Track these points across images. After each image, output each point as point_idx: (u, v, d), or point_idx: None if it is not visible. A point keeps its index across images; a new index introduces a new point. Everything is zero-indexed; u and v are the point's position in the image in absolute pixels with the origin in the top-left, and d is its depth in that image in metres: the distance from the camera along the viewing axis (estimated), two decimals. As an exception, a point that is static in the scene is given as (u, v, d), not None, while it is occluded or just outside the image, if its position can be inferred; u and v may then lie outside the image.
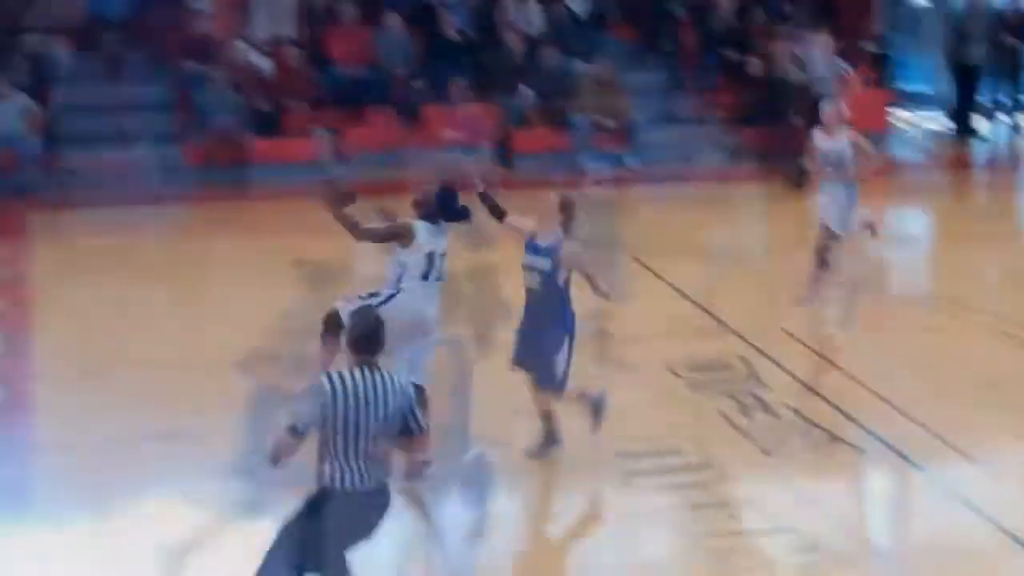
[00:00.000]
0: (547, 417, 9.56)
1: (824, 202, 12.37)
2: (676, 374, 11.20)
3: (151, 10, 18.69)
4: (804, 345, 11.91)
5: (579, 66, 18.81)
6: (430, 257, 9.49)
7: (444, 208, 9.59)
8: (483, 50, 19.20)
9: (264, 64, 18.44)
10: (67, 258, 14.86)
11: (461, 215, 9.70)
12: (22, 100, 17.23)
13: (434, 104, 18.30)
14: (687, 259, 14.20)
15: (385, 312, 8.00)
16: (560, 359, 9.29)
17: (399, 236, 9.49)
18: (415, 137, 17.74)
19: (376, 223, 9.67)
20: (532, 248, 9.41)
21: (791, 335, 12.02)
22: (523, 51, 19.10)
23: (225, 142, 17.46)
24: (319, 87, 18.48)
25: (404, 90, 18.66)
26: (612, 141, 18.32)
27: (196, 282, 14.47)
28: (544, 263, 9.31)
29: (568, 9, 19.95)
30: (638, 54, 20.07)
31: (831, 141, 12.25)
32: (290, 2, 19.30)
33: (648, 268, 14.03)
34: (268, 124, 17.87)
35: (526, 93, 18.66)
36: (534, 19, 19.72)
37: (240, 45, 18.27)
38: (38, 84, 17.71)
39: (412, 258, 9.47)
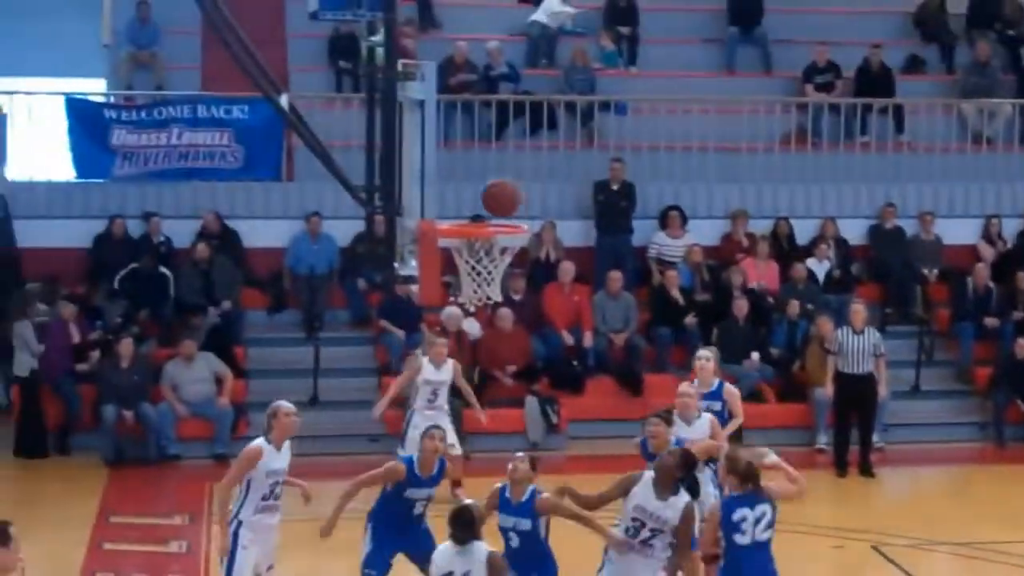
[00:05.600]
0: None
1: None
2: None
3: (349, 267, 17.73)
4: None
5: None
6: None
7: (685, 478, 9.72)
8: (711, 313, 17.60)
9: (474, 328, 17.06)
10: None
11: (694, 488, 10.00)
12: (211, 362, 16.17)
13: (658, 372, 17.04)
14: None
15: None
16: None
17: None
18: (636, 408, 15.90)
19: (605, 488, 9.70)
20: None
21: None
22: (753, 314, 17.45)
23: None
24: (534, 352, 17.15)
25: (625, 356, 17.16)
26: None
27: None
28: None
29: (808, 269, 18.22)
30: (886, 318, 18.22)
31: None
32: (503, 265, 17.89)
33: (892, 561, 12.60)
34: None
35: (756, 362, 17.07)
36: (768, 280, 18.11)
37: (451, 310, 16.73)
38: (228, 344, 16.70)
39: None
